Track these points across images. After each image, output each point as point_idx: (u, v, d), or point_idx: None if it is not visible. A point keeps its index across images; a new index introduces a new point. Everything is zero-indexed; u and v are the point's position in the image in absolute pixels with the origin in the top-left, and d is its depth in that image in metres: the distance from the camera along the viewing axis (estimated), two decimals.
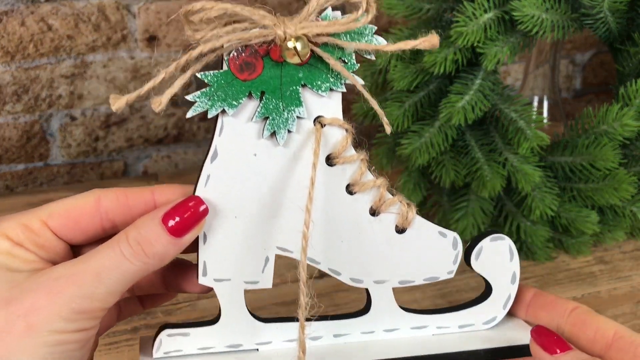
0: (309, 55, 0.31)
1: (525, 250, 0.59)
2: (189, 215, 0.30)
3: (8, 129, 0.77)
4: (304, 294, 0.31)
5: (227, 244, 0.32)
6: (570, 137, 0.56)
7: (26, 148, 0.78)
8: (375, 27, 0.32)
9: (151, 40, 0.78)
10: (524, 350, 0.35)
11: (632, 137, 0.54)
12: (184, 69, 0.31)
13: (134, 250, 0.29)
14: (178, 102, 0.81)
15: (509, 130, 0.54)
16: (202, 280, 0.32)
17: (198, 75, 0.31)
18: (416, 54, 0.56)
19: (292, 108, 0.32)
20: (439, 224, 0.60)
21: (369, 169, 0.34)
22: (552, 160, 0.56)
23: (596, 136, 0.54)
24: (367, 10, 0.31)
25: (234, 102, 0.31)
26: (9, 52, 0.73)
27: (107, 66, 0.77)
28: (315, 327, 0.35)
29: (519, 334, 0.37)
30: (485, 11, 0.51)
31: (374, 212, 0.34)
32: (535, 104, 0.65)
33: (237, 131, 0.31)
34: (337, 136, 0.33)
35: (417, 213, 0.35)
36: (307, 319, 0.31)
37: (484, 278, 0.38)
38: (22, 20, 0.73)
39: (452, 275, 0.36)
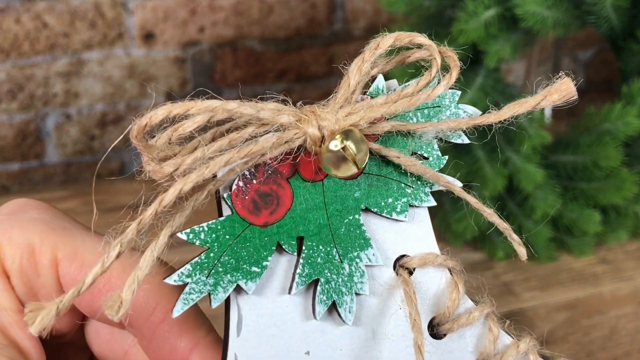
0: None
1: (527, 250, 0.58)
2: None
3: (3, 128, 0.76)
4: None
5: None
6: (573, 135, 0.55)
7: (21, 147, 0.77)
8: (459, 92, 0.22)
9: (148, 37, 0.77)
10: None
11: (635, 136, 0.54)
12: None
13: None
14: (177, 100, 0.80)
15: (511, 129, 0.53)
16: None
17: (181, 236, 0.19)
18: None
19: (356, 254, 0.20)
20: (440, 224, 0.60)
21: (503, 329, 0.21)
22: (554, 159, 0.56)
23: (599, 135, 0.53)
24: (446, 68, 0.20)
25: (256, 269, 0.19)
26: (3, 50, 0.73)
27: (103, 64, 0.77)
28: None
29: None
30: (487, 8, 0.50)
31: None
32: None
33: (268, 322, 0.19)
34: (439, 283, 0.21)
35: None
36: None
37: None
38: (17, 17, 0.72)
39: None
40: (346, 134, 0.18)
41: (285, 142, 0.18)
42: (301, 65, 0.84)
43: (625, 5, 0.52)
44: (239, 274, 0.18)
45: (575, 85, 0.24)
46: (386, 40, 0.20)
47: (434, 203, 0.22)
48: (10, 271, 0.23)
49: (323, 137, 0.18)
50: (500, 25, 0.51)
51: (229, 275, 0.18)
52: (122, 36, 0.76)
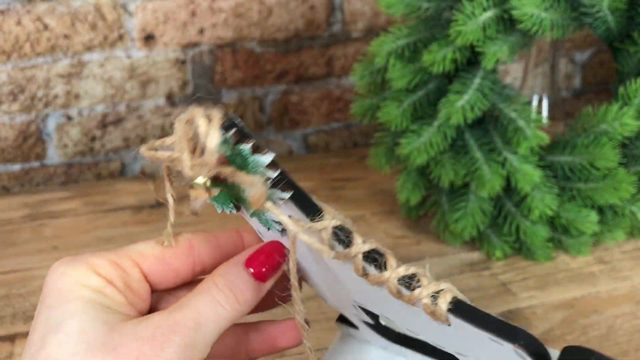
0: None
1: (524, 250, 0.59)
2: (271, 261, 0.29)
3: (4, 129, 0.76)
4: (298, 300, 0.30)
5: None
6: (570, 136, 0.55)
7: (22, 148, 0.78)
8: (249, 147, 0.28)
9: (148, 39, 0.77)
10: None
11: (631, 137, 0.54)
12: None
13: (227, 297, 0.28)
14: (175, 102, 0.80)
15: (508, 130, 0.54)
16: None
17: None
18: (415, 52, 0.56)
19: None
20: (438, 224, 0.60)
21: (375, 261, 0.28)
22: (551, 159, 0.56)
23: (596, 135, 0.53)
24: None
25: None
26: (5, 52, 0.73)
27: (104, 65, 0.77)
28: None
29: None
30: (485, 10, 0.51)
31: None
32: (535, 103, 0.65)
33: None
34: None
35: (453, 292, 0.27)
36: None
37: None
38: (18, 19, 0.72)
39: None
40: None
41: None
42: (300, 66, 0.84)
43: (622, 7, 0.53)
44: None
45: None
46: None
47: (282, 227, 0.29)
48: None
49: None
50: (498, 26, 0.52)
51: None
52: (123, 38, 0.76)
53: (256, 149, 0.27)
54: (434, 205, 0.61)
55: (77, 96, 0.77)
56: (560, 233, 0.58)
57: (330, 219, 0.27)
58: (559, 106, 0.65)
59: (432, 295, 0.27)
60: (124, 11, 0.75)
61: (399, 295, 0.27)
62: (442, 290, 0.27)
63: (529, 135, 0.52)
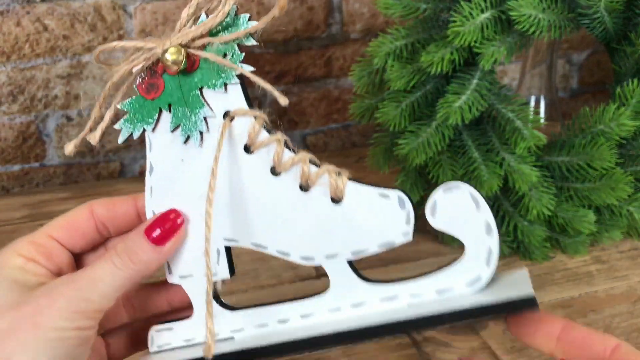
0: (196, 61, 0.34)
1: (522, 250, 0.59)
2: (168, 226, 0.34)
3: (4, 130, 0.76)
4: (209, 267, 0.33)
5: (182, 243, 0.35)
6: (567, 136, 0.56)
7: (22, 149, 0.78)
8: (249, 15, 0.34)
9: None
10: (517, 305, 0.31)
11: (628, 137, 0.54)
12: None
13: (122, 259, 0.33)
14: None
15: (506, 130, 0.54)
16: (170, 279, 0.35)
17: (118, 106, 0.35)
18: (413, 53, 0.56)
19: (197, 110, 0.34)
20: None
21: (288, 148, 0.34)
22: (549, 160, 0.56)
23: (593, 136, 0.54)
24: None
25: (150, 120, 0.34)
26: (4, 53, 0.73)
27: (103, 67, 0.77)
28: (282, 309, 0.35)
29: (515, 290, 0.32)
30: (482, 11, 0.51)
31: (304, 188, 0.34)
32: (532, 103, 0.65)
33: (163, 144, 0.35)
34: (249, 125, 0.34)
35: (351, 179, 0.34)
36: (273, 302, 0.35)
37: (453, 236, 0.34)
38: (18, 20, 0.73)
39: (409, 238, 0.33)
40: (174, 50, 0.33)
41: (148, 57, 0.34)
42: (299, 67, 0.84)
43: (619, 7, 0.53)
44: (143, 123, 0.35)
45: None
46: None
47: (237, 81, 0.34)
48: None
49: (165, 52, 0.33)
50: (496, 27, 0.52)
51: (139, 123, 0.35)
52: (122, 39, 0.76)
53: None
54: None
55: (76, 97, 0.77)
56: (558, 233, 0.58)
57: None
58: (556, 106, 0.66)
59: (335, 172, 0.34)
60: (124, 12, 0.76)
61: (307, 173, 0.33)
62: (339, 171, 0.34)
63: (526, 136, 0.53)
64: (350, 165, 0.86)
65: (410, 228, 0.33)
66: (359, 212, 0.33)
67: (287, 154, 0.34)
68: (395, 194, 0.33)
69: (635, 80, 0.53)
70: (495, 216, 0.58)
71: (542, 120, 0.54)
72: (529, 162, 0.54)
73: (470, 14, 0.51)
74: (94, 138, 0.35)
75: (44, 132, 0.78)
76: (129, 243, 0.34)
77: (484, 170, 0.54)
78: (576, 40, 0.94)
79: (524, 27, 0.50)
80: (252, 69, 0.33)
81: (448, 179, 0.56)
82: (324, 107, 0.88)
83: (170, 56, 0.32)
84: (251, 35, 0.33)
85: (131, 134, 0.35)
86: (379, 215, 0.33)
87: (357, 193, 0.33)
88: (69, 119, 0.78)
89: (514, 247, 0.59)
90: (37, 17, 0.73)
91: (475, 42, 0.51)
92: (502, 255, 0.59)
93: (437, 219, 0.33)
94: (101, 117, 0.35)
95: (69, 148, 0.36)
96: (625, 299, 0.54)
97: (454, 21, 0.51)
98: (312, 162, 0.34)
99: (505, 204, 0.58)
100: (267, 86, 0.33)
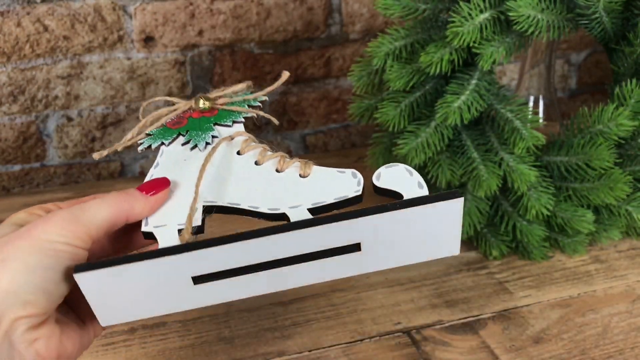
0: (215, 110, 0.46)
1: (521, 250, 0.59)
2: (157, 184, 0.40)
3: (4, 130, 0.77)
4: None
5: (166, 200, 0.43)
6: (566, 136, 0.56)
7: (22, 149, 0.78)
8: (251, 90, 0.47)
9: (147, 41, 0.78)
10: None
11: (627, 137, 0.54)
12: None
13: (114, 197, 0.39)
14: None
15: (505, 130, 0.54)
16: (145, 229, 0.40)
17: (147, 132, 0.45)
18: (412, 54, 0.56)
19: (208, 132, 0.44)
20: None
21: (270, 151, 0.44)
22: (547, 159, 0.56)
23: (591, 136, 0.54)
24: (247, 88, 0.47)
25: (169, 138, 0.44)
26: (5, 53, 0.73)
27: (104, 67, 0.77)
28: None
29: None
30: (481, 11, 0.51)
31: (279, 171, 0.43)
32: (531, 103, 0.66)
33: (172, 152, 0.44)
34: (243, 139, 0.45)
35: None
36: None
37: (392, 192, 0.40)
38: (18, 20, 0.73)
39: (359, 193, 0.40)
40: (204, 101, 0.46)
41: (187, 105, 0.46)
42: (299, 67, 0.84)
43: (618, 8, 0.53)
44: (162, 139, 0.44)
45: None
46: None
47: (243, 120, 0.45)
48: None
49: (199, 105, 0.45)
50: (495, 28, 0.52)
51: (158, 139, 0.44)
52: (122, 39, 0.77)
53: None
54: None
55: (77, 97, 0.78)
56: (557, 232, 0.58)
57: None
58: (555, 107, 0.66)
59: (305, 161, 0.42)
60: (124, 13, 0.76)
61: (282, 162, 0.42)
62: (307, 161, 0.42)
63: (525, 136, 0.53)
64: (350, 165, 0.86)
65: (359, 188, 0.41)
66: (320, 180, 0.42)
67: (269, 153, 0.43)
68: (349, 171, 0.42)
69: (634, 81, 0.53)
70: (494, 216, 0.59)
71: (540, 121, 0.54)
72: (528, 162, 0.54)
73: (469, 14, 0.51)
74: (99, 154, 0.46)
75: (45, 132, 0.78)
76: (124, 191, 0.39)
77: (483, 170, 0.55)
78: (575, 41, 0.94)
79: (522, 28, 0.51)
80: (253, 114, 0.46)
81: (447, 179, 0.57)
82: (323, 107, 0.88)
83: (202, 105, 0.45)
84: (256, 99, 0.46)
85: (150, 145, 0.44)
86: (335, 181, 0.41)
87: (320, 171, 0.42)
88: (69, 119, 0.78)
89: (512, 247, 0.59)
90: (38, 17, 0.73)
91: (474, 42, 0.51)
92: (501, 255, 0.59)
93: (381, 182, 0.40)
94: (130, 139, 0.45)
95: (101, 154, 0.46)
96: (623, 298, 0.54)
97: (453, 22, 0.51)
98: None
99: (504, 204, 0.58)
100: (261, 113, 0.46)
